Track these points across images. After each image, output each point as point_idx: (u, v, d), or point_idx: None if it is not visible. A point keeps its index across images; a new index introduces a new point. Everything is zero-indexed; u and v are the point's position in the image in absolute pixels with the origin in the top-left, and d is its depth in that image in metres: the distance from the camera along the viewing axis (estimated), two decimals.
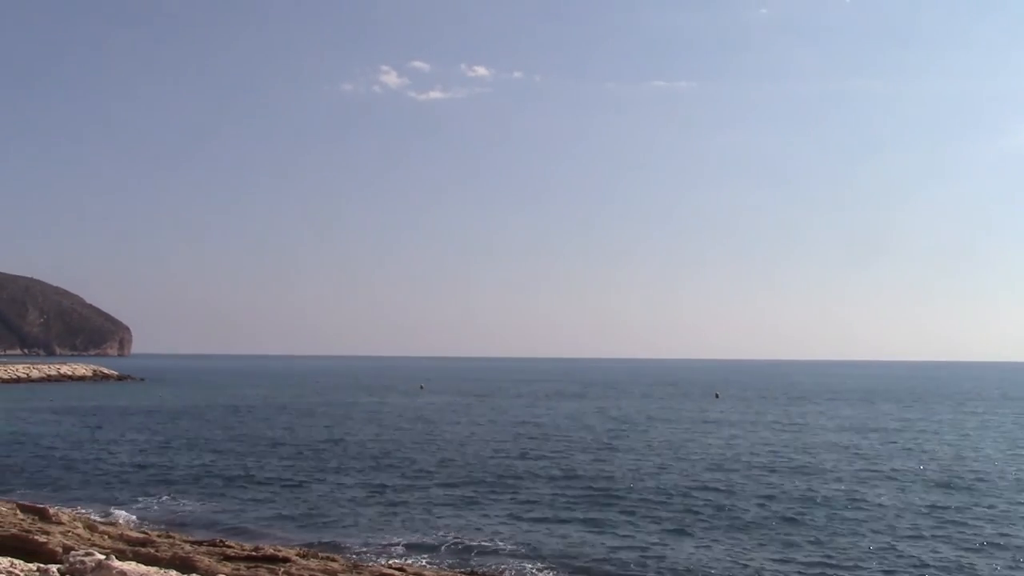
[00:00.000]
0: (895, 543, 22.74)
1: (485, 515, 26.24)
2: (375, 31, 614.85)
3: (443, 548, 21.90)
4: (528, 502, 28.37)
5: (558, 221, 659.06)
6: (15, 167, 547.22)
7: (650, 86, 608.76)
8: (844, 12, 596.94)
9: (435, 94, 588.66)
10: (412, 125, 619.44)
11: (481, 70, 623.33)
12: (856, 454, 42.37)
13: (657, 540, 23.09)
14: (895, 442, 48.55)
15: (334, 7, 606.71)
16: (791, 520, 25.67)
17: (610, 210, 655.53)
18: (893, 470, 36.43)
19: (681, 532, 24.16)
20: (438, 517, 25.84)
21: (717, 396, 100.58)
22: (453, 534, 23.36)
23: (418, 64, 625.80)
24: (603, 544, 22.59)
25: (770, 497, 29.50)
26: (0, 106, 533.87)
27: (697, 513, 26.75)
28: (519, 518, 25.85)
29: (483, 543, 22.41)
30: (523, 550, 21.77)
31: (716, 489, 31.01)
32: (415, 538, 22.98)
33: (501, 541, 22.59)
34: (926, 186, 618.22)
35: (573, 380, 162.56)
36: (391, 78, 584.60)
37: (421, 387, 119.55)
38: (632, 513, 26.63)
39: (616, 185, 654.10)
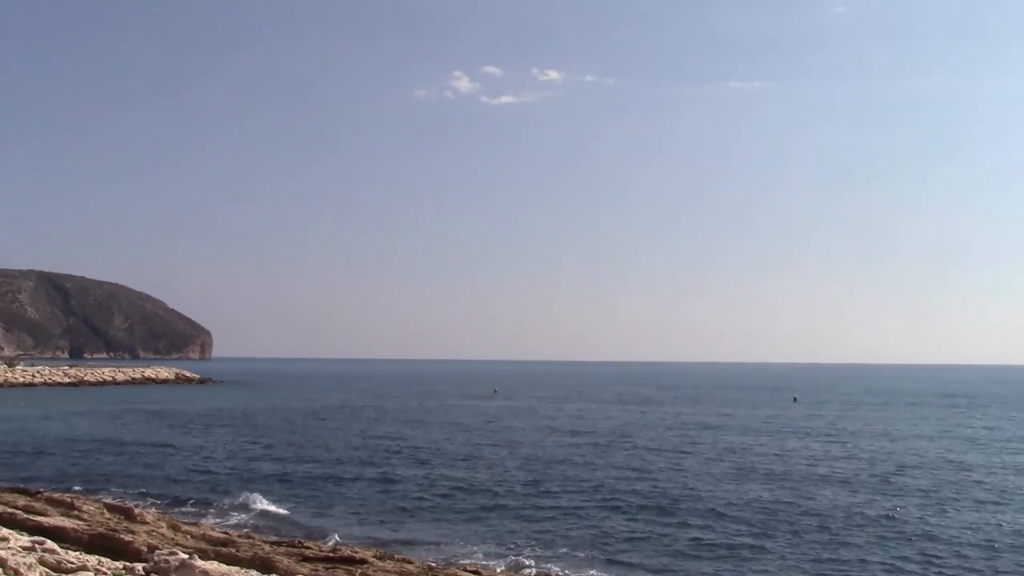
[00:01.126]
0: None
1: (567, 523, 26.05)
2: (448, 37, 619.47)
3: (521, 554, 21.80)
4: (611, 508, 28.16)
5: (634, 226, 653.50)
6: (102, 179, 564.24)
7: (725, 87, 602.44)
8: (922, 8, 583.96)
9: (507, 99, 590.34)
10: (484, 131, 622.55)
11: (553, 74, 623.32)
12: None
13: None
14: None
15: (407, 13, 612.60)
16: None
17: (686, 213, 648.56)
18: None
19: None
20: (519, 523, 25.74)
21: (795, 400, 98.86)
22: (533, 541, 23.19)
23: (490, 69, 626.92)
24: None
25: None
26: (87, 122, 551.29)
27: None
28: (602, 528, 25.65)
29: (563, 552, 22.20)
30: (600, 560, 21.59)
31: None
32: (493, 543, 22.94)
33: (582, 551, 22.27)
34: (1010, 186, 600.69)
35: (641, 383, 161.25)
36: (463, 83, 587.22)
37: (495, 391, 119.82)
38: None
39: (692, 188, 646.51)
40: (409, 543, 22.71)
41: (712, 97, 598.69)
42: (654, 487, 32.06)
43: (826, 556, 21.71)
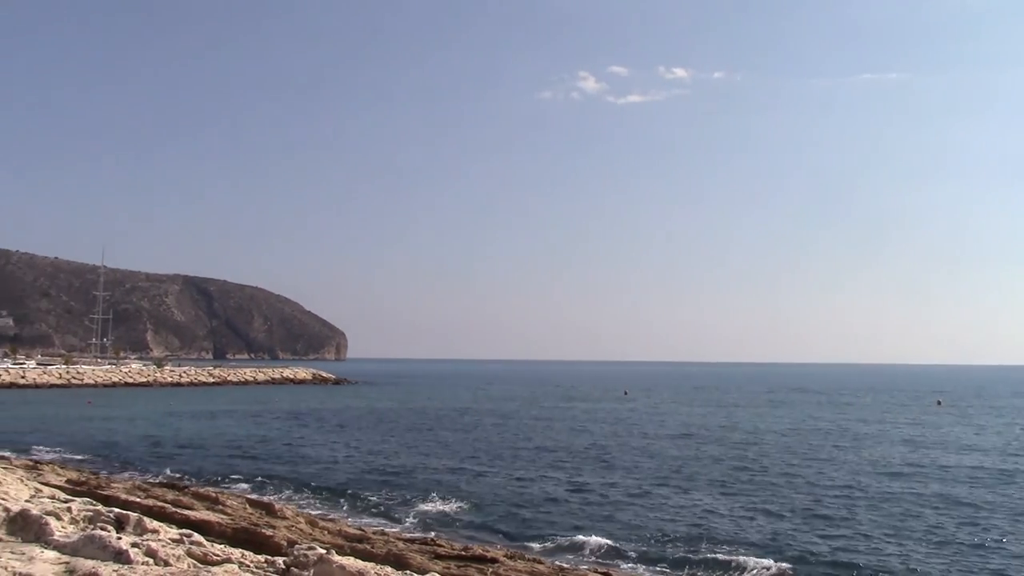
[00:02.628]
0: None
1: (705, 522, 25.72)
2: (573, 37, 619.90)
3: (656, 554, 21.60)
4: (752, 509, 27.67)
5: (772, 226, 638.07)
6: (243, 186, 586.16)
7: (859, 79, 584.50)
8: None
9: (634, 98, 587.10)
10: (611, 130, 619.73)
11: (680, 72, 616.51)
12: None
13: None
14: None
15: (532, 15, 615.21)
16: None
17: (828, 211, 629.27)
18: None
19: None
20: (654, 522, 25.50)
21: (939, 404, 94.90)
22: (673, 541, 22.87)
23: (616, 69, 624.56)
24: None
25: None
26: (228, 130, 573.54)
27: None
28: (740, 525, 25.21)
29: (701, 552, 21.89)
30: (741, 555, 21.17)
31: None
32: (626, 542, 22.77)
33: (721, 553, 21.90)
34: None
35: (765, 385, 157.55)
36: (589, 83, 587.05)
37: (625, 392, 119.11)
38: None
39: (833, 184, 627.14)
40: (540, 543, 22.73)
41: (846, 90, 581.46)
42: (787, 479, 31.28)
43: None
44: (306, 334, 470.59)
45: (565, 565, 19.40)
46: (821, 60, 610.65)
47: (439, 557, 18.48)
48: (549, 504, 28.52)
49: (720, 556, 21.25)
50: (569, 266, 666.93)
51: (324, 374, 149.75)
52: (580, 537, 23.22)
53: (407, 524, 25.33)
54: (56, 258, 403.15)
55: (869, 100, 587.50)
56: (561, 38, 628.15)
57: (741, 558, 20.94)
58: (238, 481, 32.95)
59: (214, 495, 23.80)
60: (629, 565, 20.70)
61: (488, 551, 19.42)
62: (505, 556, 19.16)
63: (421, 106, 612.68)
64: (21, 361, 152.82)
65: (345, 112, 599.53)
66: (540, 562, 19.08)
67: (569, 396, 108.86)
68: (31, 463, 30.04)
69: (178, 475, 33.88)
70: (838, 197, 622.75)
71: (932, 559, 21.39)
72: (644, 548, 22.20)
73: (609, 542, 22.62)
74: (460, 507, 27.88)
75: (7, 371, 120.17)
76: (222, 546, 8.26)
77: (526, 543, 22.62)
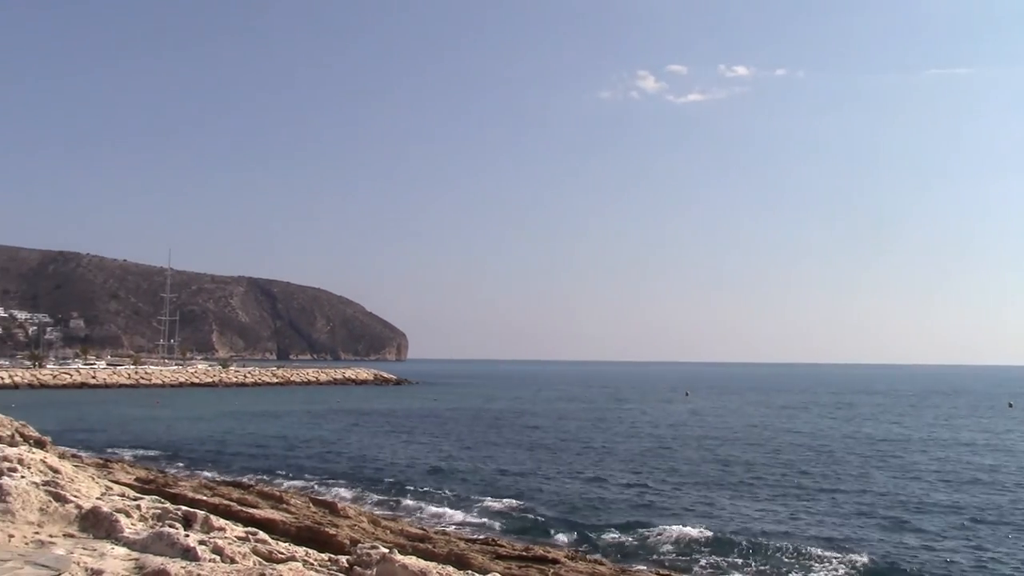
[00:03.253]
0: None
1: (774, 526, 25.42)
2: (632, 36, 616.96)
3: (722, 557, 21.38)
4: (825, 513, 27.28)
5: (838, 226, 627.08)
6: (305, 190, 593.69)
7: (925, 75, 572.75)
8: None
9: (694, 97, 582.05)
10: (671, 130, 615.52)
11: (741, 70, 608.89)
12: None
13: None
14: None
15: (590, 14, 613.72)
16: None
17: (898, 209, 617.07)
18: None
19: None
20: (717, 524, 25.23)
21: (1011, 406, 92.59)
22: (737, 545, 22.52)
23: (676, 67, 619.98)
24: None
25: None
26: (291, 135, 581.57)
27: None
28: (814, 531, 24.88)
29: (767, 556, 21.64)
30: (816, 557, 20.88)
31: None
32: (690, 544, 22.57)
33: (787, 555, 21.66)
34: None
35: (837, 388, 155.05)
36: (648, 83, 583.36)
37: (686, 393, 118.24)
38: None
39: (901, 182, 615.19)
40: (600, 545, 22.64)
41: (912, 86, 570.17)
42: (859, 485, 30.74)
43: None
44: (367, 335, 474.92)
45: (627, 566, 19.31)
46: (887, 56, 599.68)
47: (500, 557, 18.50)
48: (610, 505, 28.38)
49: (785, 559, 20.99)
50: (627, 267, 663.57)
51: (385, 375, 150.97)
52: (642, 539, 23.09)
53: (468, 524, 25.39)
54: (125, 260, 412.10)
55: (936, 96, 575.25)
56: (620, 37, 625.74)
57: (811, 563, 20.66)
58: (302, 480, 33.35)
59: (278, 494, 24.10)
60: (693, 568, 20.49)
61: (549, 552, 19.40)
62: (566, 557, 19.13)
63: (480, 107, 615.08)
64: (91, 362, 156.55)
65: (406, 113, 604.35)
66: (601, 563, 19.02)
67: (629, 397, 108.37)
68: (102, 461, 30.75)
69: (243, 474, 34.38)
70: (912, 195, 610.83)
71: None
72: (708, 551, 21.98)
73: (671, 544, 22.46)
74: (521, 507, 27.88)
75: (78, 371, 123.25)
76: (286, 544, 8.35)
77: (587, 544, 22.54)
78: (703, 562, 20.91)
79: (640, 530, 24.24)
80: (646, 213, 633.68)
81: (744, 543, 22.54)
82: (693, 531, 23.77)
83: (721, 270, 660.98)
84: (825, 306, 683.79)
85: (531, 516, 26.63)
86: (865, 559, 20.96)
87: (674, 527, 24.52)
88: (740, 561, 20.96)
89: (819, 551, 21.63)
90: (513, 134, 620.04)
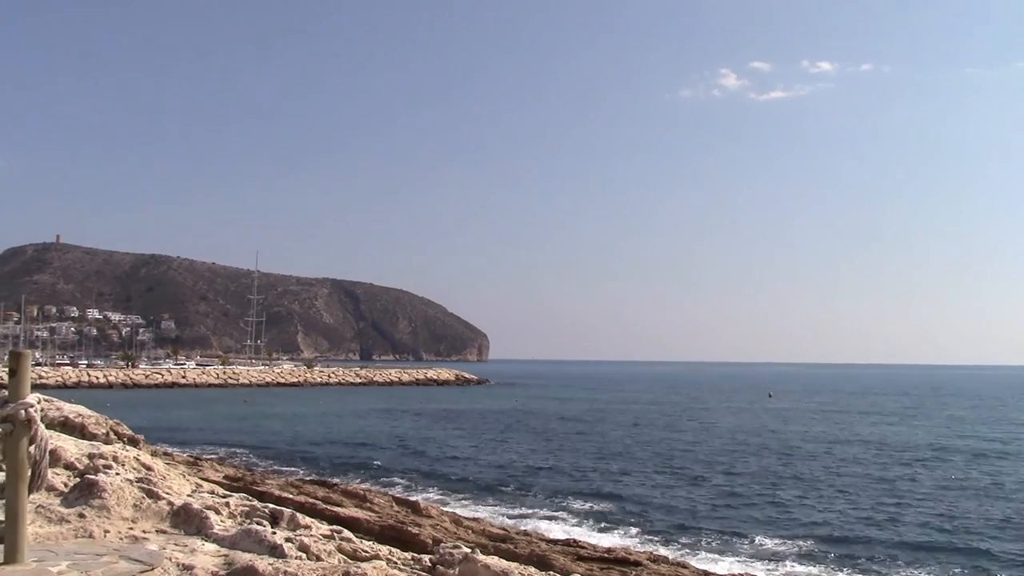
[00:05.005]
0: None
1: (869, 533, 24.89)
2: (713, 34, 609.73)
3: (808, 564, 21.00)
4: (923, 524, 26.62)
5: (923, 225, 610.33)
6: (387, 192, 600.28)
7: (1015, 68, 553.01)
8: None
9: (776, 94, 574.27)
10: (754, 128, 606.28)
11: (825, 65, 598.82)
12: None
13: None
14: None
15: (671, 12, 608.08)
16: None
17: (990, 207, 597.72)
18: None
19: None
20: (805, 529, 24.81)
21: None
22: (826, 552, 22.11)
23: (758, 64, 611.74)
24: None
25: None
26: (362, 141, 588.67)
27: None
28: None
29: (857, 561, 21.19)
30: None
31: None
32: (775, 548, 22.25)
33: (877, 565, 21.14)
34: None
35: (935, 390, 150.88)
36: (730, 80, 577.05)
37: (769, 395, 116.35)
38: None
39: (993, 180, 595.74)
40: (684, 547, 22.41)
41: (1003, 80, 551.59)
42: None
43: None
44: (449, 336, 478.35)
45: (710, 569, 19.07)
46: (974, 49, 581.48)
47: (582, 559, 18.42)
48: (694, 508, 28.08)
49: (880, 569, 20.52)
50: (708, 265, 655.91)
51: (467, 375, 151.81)
52: (726, 544, 22.80)
53: (549, 525, 25.36)
54: (214, 263, 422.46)
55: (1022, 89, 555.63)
56: (700, 35, 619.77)
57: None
58: (385, 479, 33.71)
59: (362, 493, 24.37)
60: (779, 572, 20.14)
61: (631, 554, 19.26)
62: (648, 559, 18.96)
63: (561, 107, 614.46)
64: (182, 362, 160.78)
65: (485, 115, 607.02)
66: (685, 566, 18.80)
67: (709, 398, 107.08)
68: (192, 459, 31.49)
69: (328, 472, 34.88)
70: (1007, 190, 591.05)
71: None
72: (797, 559, 21.58)
73: (756, 551, 22.13)
74: (603, 509, 27.77)
75: (169, 371, 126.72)
76: (370, 543, 8.44)
77: (670, 547, 22.33)
78: (790, 569, 20.53)
79: (725, 535, 23.93)
80: (727, 213, 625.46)
81: (834, 554, 22.06)
82: (781, 539, 23.37)
83: (806, 266, 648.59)
84: (905, 306, 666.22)
85: (613, 518, 26.49)
86: None
87: (761, 534, 24.15)
88: (827, 571, 20.54)
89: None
90: (592, 135, 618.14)
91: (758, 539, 23.22)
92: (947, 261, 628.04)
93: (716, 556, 21.51)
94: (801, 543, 22.72)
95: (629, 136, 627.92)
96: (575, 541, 20.79)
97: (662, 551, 21.31)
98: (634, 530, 24.75)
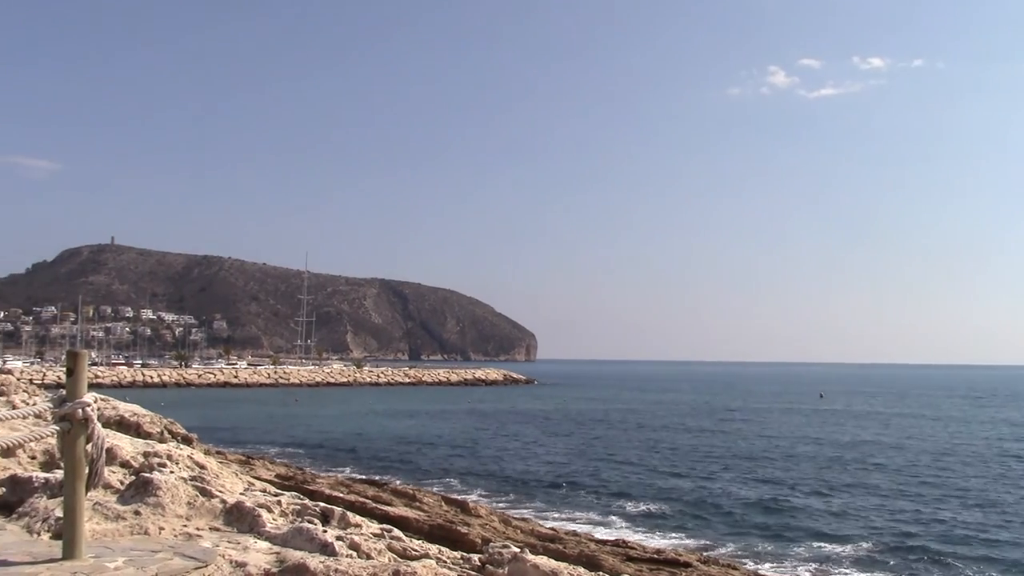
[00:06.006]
0: None
1: (930, 542, 24.48)
2: (762, 31, 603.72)
3: (864, 570, 20.70)
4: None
5: (984, 223, 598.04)
6: (434, 194, 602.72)
7: None
8: None
9: (826, 91, 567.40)
10: (804, 126, 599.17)
11: (876, 61, 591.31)
12: None
13: None
14: None
15: (718, 10, 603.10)
16: None
17: None
18: None
19: None
20: (860, 534, 24.45)
21: None
22: (888, 560, 21.64)
23: (808, 61, 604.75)
24: None
25: None
26: (410, 144, 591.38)
27: None
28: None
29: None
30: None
31: None
32: (829, 553, 21.97)
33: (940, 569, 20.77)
34: None
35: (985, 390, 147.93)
36: (779, 78, 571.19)
37: (820, 395, 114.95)
38: None
39: None
40: (735, 549, 22.22)
41: None
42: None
43: None
44: (497, 335, 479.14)
45: (761, 571, 18.89)
46: None
47: (631, 560, 18.34)
48: (743, 509, 27.82)
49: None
50: (750, 266, 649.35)
51: (515, 375, 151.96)
52: (779, 547, 22.56)
53: (599, 525, 25.29)
54: (264, 264, 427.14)
55: None
56: (749, 32, 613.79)
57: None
58: (434, 478, 33.85)
59: (411, 492, 24.48)
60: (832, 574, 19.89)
61: (681, 555, 19.13)
62: (699, 561, 18.82)
63: (609, 107, 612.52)
64: (233, 362, 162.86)
65: (534, 116, 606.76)
66: (736, 568, 18.63)
67: (760, 398, 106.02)
68: (244, 457, 31.85)
69: (377, 471, 35.11)
70: None
71: None
72: (850, 565, 21.28)
73: (808, 554, 21.85)
74: (652, 510, 27.63)
75: (221, 371, 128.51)
76: (420, 542, 8.47)
77: (720, 548, 22.15)
78: (846, 574, 20.26)
79: (777, 538, 23.68)
80: (777, 211, 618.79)
81: (893, 561, 21.68)
82: (838, 544, 23.01)
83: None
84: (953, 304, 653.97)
85: (663, 519, 26.36)
86: None
87: (816, 538, 23.80)
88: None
89: None
90: (641, 134, 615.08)
91: (814, 543, 22.93)
92: (1018, 262, 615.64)
93: (769, 559, 21.29)
94: (859, 549, 22.35)
95: (678, 136, 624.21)
96: (624, 542, 20.71)
97: (713, 552, 21.15)
98: (683, 531, 24.59)
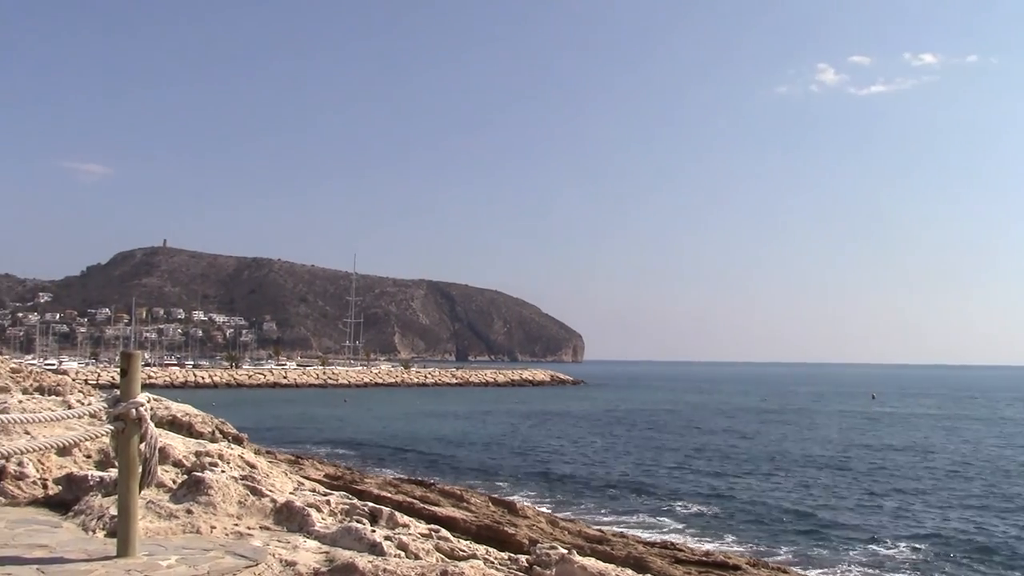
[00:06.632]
0: None
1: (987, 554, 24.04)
2: (810, 28, 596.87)
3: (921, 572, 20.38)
4: None
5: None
6: (482, 194, 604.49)
7: None
8: None
9: (877, 88, 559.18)
10: (854, 123, 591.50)
11: (928, 58, 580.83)
12: None
13: None
14: None
15: (767, 7, 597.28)
16: None
17: None
18: None
19: None
20: (912, 541, 24.06)
21: None
22: (943, 566, 21.28)
23: (857, 58, 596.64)
24: None
25: None
26: (455, 144, 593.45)
27: None
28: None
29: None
30: None
31: None
32: (882, 557, 21.64)
33: None
34: None
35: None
36: (828, 75, 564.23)
37: (872, 396, 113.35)
38: None
39: None
40: (786, 552, 21.97)
41: None
42: None
43: None
44: (544, 336, 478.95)
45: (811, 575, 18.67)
46: None
47: (679, 562, 18.21)
48: (795, 513, 27.48)
49: None
50: (809, 265, 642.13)
51: (562, 376, 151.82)
52: (831, 551, 22.26)
53: (647, 527, 25.15)
54: (313, 266, 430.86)
55: None
56: (797, 29, 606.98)
57: None
58: (481, 479, 33.89)
59: (459, 492, 24.53)
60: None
61: (730, 558, 18.96)
62: (748, 564, 18.63)
63: (656, 103, 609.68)
64: (283, 363, 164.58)
65: (575, 113, 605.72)
66: (786, 572, 18.42)
67: (809, 400, 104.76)
68: (293, 457, 32.14)
69: (425, 472, 35.24)
70: None
71: None
72: (906, 569, 20.94)
73: (862, 559, 21.53)
74: (702, 512, 27.42)
75: (271, 372, 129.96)
76: (467, 542, 8.47)
77: (770, 552, 21.92)
78: None
79: (828, 542, 23.35)
80: (826, 211, 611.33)
81: (951, 569, 21.28)
82: (890, 550, 22.65)
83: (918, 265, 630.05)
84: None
85: (712, 521, 26.14)
86: None
87: (872, 543, 23.36)
88: None
89: None
90: (688, 132, 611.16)
91: (870, 547, 22.57)
92: None
93: (820, 564, 21.02)
94: (915, 557, 21.95)
95: (726, 133, 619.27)
96: (672, 544, 20.58)
97: (763, 556, 20.93)
98: (733, 534, 24.35)
